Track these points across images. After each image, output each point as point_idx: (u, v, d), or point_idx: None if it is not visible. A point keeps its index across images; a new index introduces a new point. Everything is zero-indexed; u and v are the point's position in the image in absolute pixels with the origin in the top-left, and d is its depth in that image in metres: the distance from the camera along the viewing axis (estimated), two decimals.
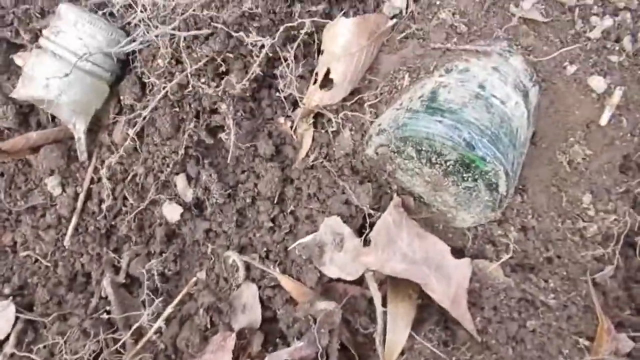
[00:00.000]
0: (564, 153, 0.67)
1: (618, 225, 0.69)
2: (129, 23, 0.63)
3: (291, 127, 0.67)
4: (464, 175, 0.60)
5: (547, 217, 0.69)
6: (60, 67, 0.59)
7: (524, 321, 0.70)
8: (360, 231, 0.65)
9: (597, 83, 0.66)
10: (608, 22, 0.66)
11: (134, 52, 0.64)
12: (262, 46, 0.60)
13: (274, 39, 0.60)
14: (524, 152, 0.63)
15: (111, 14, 0.64)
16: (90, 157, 0.67)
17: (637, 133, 0.69)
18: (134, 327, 0.65)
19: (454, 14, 0.64)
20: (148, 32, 0.59)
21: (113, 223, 0.68)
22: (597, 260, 0.71)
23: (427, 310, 0.71)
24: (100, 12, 0.64)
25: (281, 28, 0.60)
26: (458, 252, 0.70)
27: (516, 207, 0.68)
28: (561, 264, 0.70)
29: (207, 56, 0.61)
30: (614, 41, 0.67)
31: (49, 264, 0.67)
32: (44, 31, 0.61)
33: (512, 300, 0.68)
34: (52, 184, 0.66)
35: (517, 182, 0.65)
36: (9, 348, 0.62)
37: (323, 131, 0.67)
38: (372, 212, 0.65)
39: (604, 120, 0.66)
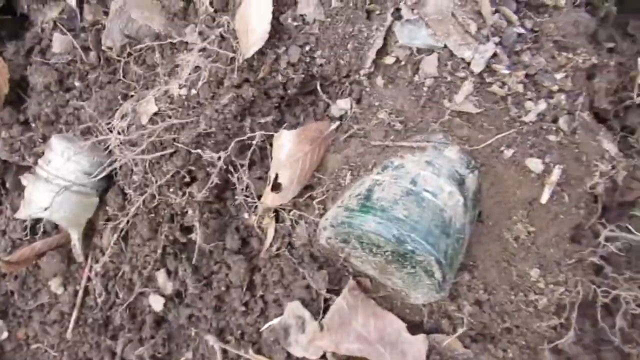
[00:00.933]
0: (509, 230, 0.71)
1: (570, 296, 0.72)
2: (108, 146, 0.73)
3: (255, 223, 0.75)
4: (404, 263, 0.65)
5: (500, 290, 0.72)
6: (52, 191, 0.70)
7: None
8: (320, 313, 0.72)
9: (535, 164, 0.69)
10: (542, 105, 0.70)
11: (115, 167, 0.74)
12: (219, 158, 0.69)
13: (227, 152, 0.69)
14: (462, 237, 0.67)
15: (97, 137, 0.75)
16: (86, 258, 0.77)
17: (582, 206, 0.72)
18: None
19: (390, 113, 0.70)
20: (122, 156, 0.69)
21: (108, 314, 0.77)
22: (554, 329, 0.73)
23: None
24: (85, 138, 0.76)
25: (233, 142, 0.69)
26: (417, 327, 0.74)
27: (466, 284, 0.72)
28: (520, 334, 0.73)
29: (172, 170, 0.70)
30: (551, 122, 0.71)
31: (56, 354, 0.76)
32: (39, 160, 0.73)
33: None
34: (55, 284, 0.76)
35: (460, 262, 0.70)
36: None
37: (283, 224, 0.75)
38: (328, 295, 0.71)
39: (544, 198, 0.69)
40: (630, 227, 0.73)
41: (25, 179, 0.77)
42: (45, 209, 0.69)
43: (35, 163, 0.78)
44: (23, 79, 0.80)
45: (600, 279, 0.73)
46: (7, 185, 0.79)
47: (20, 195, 0.79)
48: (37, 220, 0.78)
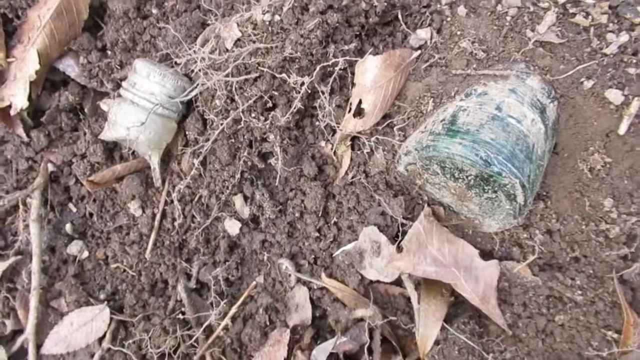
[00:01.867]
0: (585, 161, 0.72)
1: None
2: (192, 70, 0.74)
3: (331, 150, 0.77)
4: (485, 187, 0.67)
5: (571, 220, 0.74)
6: (137, 113, 0.71)
7: (553, 316, 0.75)
8: (395, 239, 0.74)
9: (614, 95, 0.70)
10: (624, 37, 0.71)
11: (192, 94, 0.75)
12: (302, 84, 0.70)
13: (311, 77, 0.70)
14: (542, 164, 0.69)
15: (177, 63, 0.76)
16: (163, 183, 0.79)
17: None
18: (204, 325, 0.76)
19: (473, 42, 0.70)
20: (207, 79, 0.70)
21: (184, 237, 0.80)
22: (622, 259, 0.75)
23: (461, 307, 0.79)
24: (167, 63, 0.77)
25: (317, 68, 0.70)
26: (487, 255, 0.77)
27: (540, 213, 0.74)
28: (587, 263, 0.75)
29: (256, 95, 0.71)
30: (631, 55, 0.71)
31: (134, 274, 0.79)
32: (123, 83, 0.74)
33: (540, 297, 0.74)
34: (134, 207, 0.79)
35: (537, 191, 0.71)
36: (105, 343, 0.75)
37: (359, 152, 0.76)
38: (405, 221, 0.73)
39: (622, 129, 0.71)
40: None
41: (105, 104, 0.79)
42: (131, 129, 0.71)
43: (114, 89, 0.80)
44: (101, 5, 0.81)
45: None
46: (86, 110, 0.80)
47: (99, 120, 0.81)
48: (115, 146, 0.80)
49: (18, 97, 0.76)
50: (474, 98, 0.68)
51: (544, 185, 0.73)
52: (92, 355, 0.75)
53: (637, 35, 0.71)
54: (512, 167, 0.64)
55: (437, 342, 0.72)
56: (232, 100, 0.73)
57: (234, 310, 0.77)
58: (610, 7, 0.70)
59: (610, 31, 0.71)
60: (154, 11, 0.80)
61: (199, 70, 0.71)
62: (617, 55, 0.71)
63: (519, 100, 0.67)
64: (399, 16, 0.74)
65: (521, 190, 0.64)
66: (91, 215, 0.81)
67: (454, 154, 0.64)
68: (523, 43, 0.70)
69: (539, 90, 0.69)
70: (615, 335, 0.73)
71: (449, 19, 0.73)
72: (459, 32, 0.71)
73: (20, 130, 0.79)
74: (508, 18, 0.70)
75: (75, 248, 0.80)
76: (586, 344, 0.73)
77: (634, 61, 0.70)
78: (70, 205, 0.82)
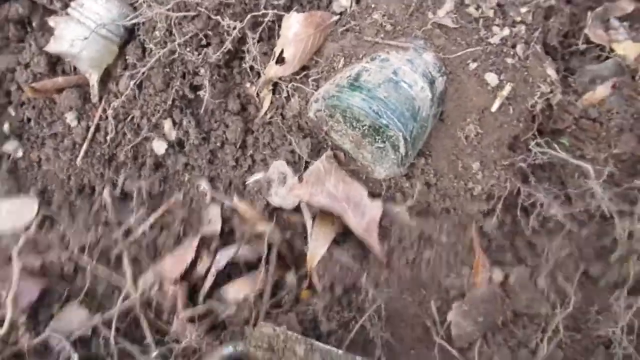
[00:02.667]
0: (462, 129, 0.87)
1: (499, 189, 0.90)
2: (137, 1, 0.83)
3: (255, 91, 0.88)
4: (376, 137, 0.80)
5: (446, 177, 0.90)
6: (82, 31, 0.79)
7: (421, 252, 0.91)
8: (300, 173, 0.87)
9: (492, 79, 0.85)
10: (506, 31, 0.86)
11: (138, 23, 0.84)
12: (234, 28, 0.81)
13: (242, 23, 0.80)
14: (426, 126, 0.83)
15: None
16: (100, 100, 0.87)
17: (522, 120, 0.89)
18: (123, 227, 0.88)
19: (384, 15, 0.83)
20: (149, 11, 0.79)
21: (115, 152, 0.89)
22: (482, 214, 0.92)
23: (349, 237, 0.93)
24: None
25: (249, 16, 0.80)
26: (375, 196, 0.91)
27: (421, 167, 0.89)
28: (455, 214, 0.92)
29: (192, 32, 0.81)
30: (510, 47, 0.86)
31: (64, 177, 0.88)
32: (71, 3, 0.82)
33: (413, 236, 0.90)
34: (70, 117, 0.87)
35: (420, 148, 0.86)
36: (30, 231, 0.85)
37: (278, 96, 0.88)
38: (309, 160, 0.86)
39: (494, 107, 0.86)
40: (557, 147, 0.92)
41: (52, 21, 0.86)
42: (74, 42, 0.79)
43: (62, 8, 0.87)
44: None
45: (525, 186, 0.92)
46: (33, 24, 0.87)
47: (45, 35, 0.88)
48: (58, 60, 0.88)
49: None
50: (377, 62, 0.81)
51: (427, 145, 0.88)
52: (18, 240, 0.85)
53: (517, 31, 0.86)
54: (398, 122, 0.77)
55: (322, 260, 0.87)
56: (171, 33, 0.82)
57: (152, 218, 0.88)
58: (498, 4, 0.85)
59: (496, 25, 0.85)
60: None
61: (143, 2, 0.80)
62: (499, 45, 0.85)
63: (413, 70, 0.81)
64: None
65: (403, 142, 0.79)
66: (29, 120, 0.89)
67: (353, 105, 0.77)
68: (424, 23, 0.83)
69: (431, 64, 0.83)
70: (468, 272, 0.91)
71: None
72: (373, 5, 0.84)
73: None
74: (415, 0, 0.83)
75: (11, 147, 0.88)
76: (445, 277, 0.90)
77: (511, 52, 0.86)
78: (10, 109, 0.89)
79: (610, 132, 0.93)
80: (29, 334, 0.84)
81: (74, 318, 0.87)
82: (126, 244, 0.87)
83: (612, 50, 0.96)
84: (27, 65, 0.87)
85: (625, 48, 0.96)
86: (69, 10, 0.81)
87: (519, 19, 0.86)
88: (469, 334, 0.89)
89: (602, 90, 0.95)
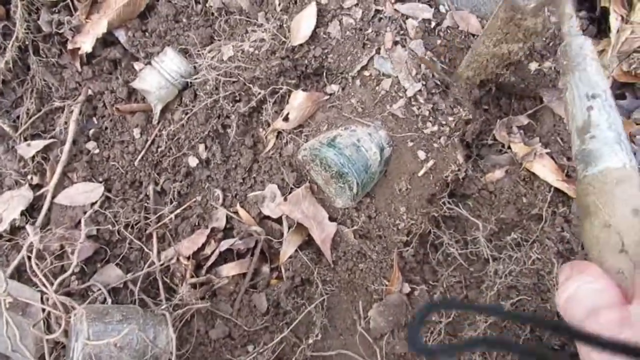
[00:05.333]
0: (397, 184, 1.28)
1: (416, 227, 1.32)
2: (199, 64, 1.24)
3: (265, 135, 1.29)
4: (339, 179, 1.20)
5: (382, 214, 1.29)
6: (159, 80, 1.19)
7: (357, 263, 1.29)
8: (285, 195, 1.27)
9: (421, 154, 1.27)
10: (435, 127, 1.29)
11: (196, 78, 1.25)
12: (259, 93, 1.23)
13: (265, 91, 1.22)
14: (373, 177, 1.23)
15: (190, 55, 1.26)
16: (158, 123, 1.27)
17: (438, 185, 1.32)
18: (159, 214, 1.26)
19: (357, 101, 1.25)
20: (206, 73, 1.21)
21: (160, 160, 1.21)
22: (403, 244, 1.33)
23: (311, 244, 1.26)
24: (184, 54, 1.26)
25: (270, 87, 1.22)
26: (332, 219, 1.27)
27: (366, 204, 1.27)
28: (384, 240, 1.32)
29: (231, 91, 1.22)
30: (437, 137, 1.30)
31: (123, 172, 1.25)
32: (155, 57, 1.22)
33: (353, 251, 1.26)
34: (136, 132, 1.25)
35: (367, 191, 1.27)
36: (95, 206, 1.22)
37: (279, 141, 1.29)
38: (293, 187, 1.27)
39: (421, 173, 1.28)
40: (461, 206, 1.34)
41: (137, 65, 1.26)
42: (152, 87, 1.20)
43: (144, 57, 1.27)
44: (153, 5, 1.28)
45: (436, 229, 1.34)
46: (122, 64, 1.27)
47: (128, 73, 1.28)
48: (134, 91, 1.28)
49: (86, 44, 1.21)
50: (348, 131, 1.22)
51: (373, 190, 1.28)
52: (85, 213, 1.22)
53: (443, 129, 1.30)
54: (355, 172, 1.18)
55: (290, 257, 1.26)
56: (217, 88, 1.23)
57: (178, 211, 1.25)
58: (433, 108, 1.29)
59: (430, 121, 1.29)
60: (184, 20, 1.29)
61: (204, 67, 1.22)
62: (429, 135, 1.28)
63: (370, 140, 1.22)
64: (324, 74, 1.28)
65: (356, 186, 1.19)
66: (106, 128, 1.27)
67: (327, 157, 1.17)
68: (383, 110, 1.25)
69: (383, 138, 1.25)
70: (387, 283, 1.31)
71: (350, 84, 1.27)
72: (352, 93, 1.26)
73: (78, 64, 1.25)
74: (380, 94, 1.26)
75: (91, 145, 1.25)
76: (371, 282, 1.29)
77: (437, 141, 1.29)
78: (94, 119, 1.28)
79: (500, 202, 1.35)
80: (78, 281, 1.20)
81: (111, 274, 1.22)
82: (157, 226, 1.26)
83: (509, 147, 1.40)
84: (112, 91, 1.26)
85: (518, 148, 1.39)
86: (153, 62, 1.22)
87: (444, 122, 1.29)
88: (382, 327, 1.23)
89: (498, 173, 1.37)
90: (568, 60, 0.78)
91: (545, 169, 1.31)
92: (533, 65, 1.30)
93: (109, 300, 1.16)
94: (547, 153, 1.33)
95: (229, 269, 1.23)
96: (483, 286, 1.26)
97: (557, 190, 1.31)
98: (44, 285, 1.08)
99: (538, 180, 1.33)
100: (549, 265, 1.23)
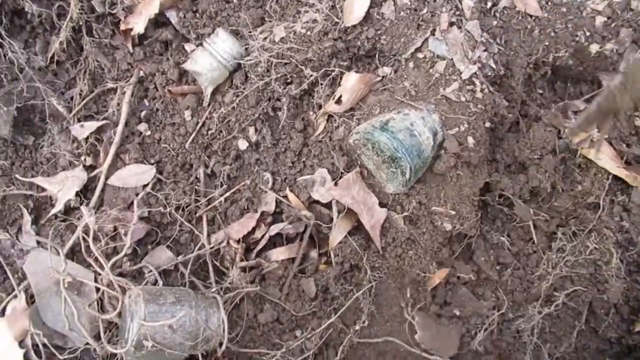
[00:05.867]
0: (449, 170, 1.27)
1: (467, 215, 1.29)
2: (250, 45, 1.22)
3: (315, 118, 1.28)
4: (392, 164, 1.18)
5: (433, 200, 1.28)
6: (211, 61, 1.18)
7: (407, 250, 1.28)
8: (335, 180, 1.25)
9: (471, 140, 1.25)
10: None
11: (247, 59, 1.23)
12: (311, 75, 1.21)
13: (317, 73, 1.20)
14: (426, 163, 1.20)
15: (242, 37, 1.24)
16: (209, 106, 1.26)
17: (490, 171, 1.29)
18: (208, 197, 1.25)
19: (411, 84, 1.22)
20: (258, 55, 1.19)
21: (211, 142, 1.21)
22: (454, 232, 1.30)
23: (360, 230, 1.20)
24: (236, 35, 1.24)
25: (323, 69, 1.20)
26: (383, 205, 1.26)
27: (417, 190, 1.23)
28: (434, 228, 1.29)
29: (282, 73, 1.20)
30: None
31: (175, 154, 1.23)
32: (206, 39, 1.20)
33: (403, 237, 1.24)
34: (187, 114, 1.25)
35: (419, 176, 1.24)
36: (147, 189, 1.22)
37: (330, 124, 1.27)
38: (343, 172, 1.25)
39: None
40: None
41: (188, 47, 1.26)
42: (204, 69, 1.19)
43: (195, 39, 1.26)
44: None
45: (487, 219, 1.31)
46: (174, 46, 1.26)
47: (179, 54, 1.27)
48: (185, 72, 1.27)
49: (139, 25, 1.21)
50: (401, 115, 1.19)
51: (424, 176, 1.27)
52: (137, 194, 1.23)
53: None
54: (408, 157, 1.15)
55: (339, 243, 1.24)
56: (268, 70, 1.21)
57: (227, 194, 1.25)
58: (483, 90, 1.25)
59: (480, 102, 1.26)
60: (235, 1, 1.26)
61: (255, 48, 1.20)
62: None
63: (423, 124, 1.19)
64: (377, 56, 1.25)
65: (409, 171, 1.16)
66: (157, 110, 1.27)
67: (380, 141, 1.14)
68: (436, 94, 1.21)
69: (437, 122, 1.21)
70: (437, 270, 1.28)
71: (403, 66, 1.24)
72: (405, 76, 1.23)
73: (130, 45, 1.25)
74: (434, 77, 1.23)
75: (142, 127, 1.26)
76: (420, 270, 1.27)
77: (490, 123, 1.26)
78: (145, 101, 1.28)
79: (555, 190, 1.32)
80: (130, 262, 1.22)
81: (162, 256, 1.22)
82: (207, 209, 1.26)
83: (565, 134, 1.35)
84: (163, 73, 1.26)
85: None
86: (204, 44, 1.20)
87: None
88: None
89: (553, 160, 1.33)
90: None
91: (604, 156, 1.26)
92: (594, 47, 1.25)
93: (160, 282, 1.17)
94: (605, 139, 1.28)
95: (278, 254, 1.23)
96: (535, 275, 1.23)
97: (615, 178, 1.27)
98: (100, 265, 1.09)
99: (595, 168, 1.28)
100: (607, 255, 1.19)
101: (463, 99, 1.19)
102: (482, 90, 1.20)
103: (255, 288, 1.19)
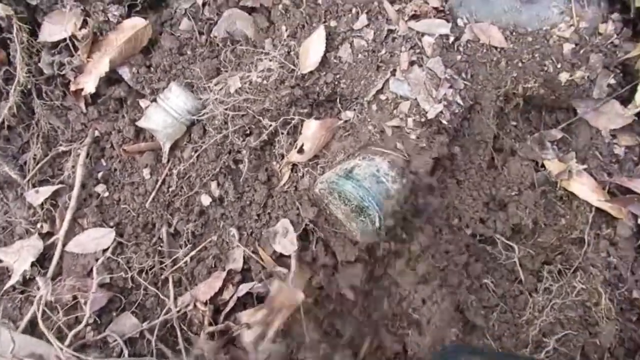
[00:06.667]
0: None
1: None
2: (206, 99, 1.18)
3: (279, 169, 1.22)
4: (360, 214, 1.12)
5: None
6: (165, 116, 1.13)
7: None
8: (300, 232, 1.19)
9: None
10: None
11: (203, 114, 1.19)
12: (270, 125, 1.16)
13: (276, 123, 1.15)
14: (398, 207, 1.16)
15: (197, 90, 1.20)
16: (168, 162, 1.22)
17: None
18: (173, 257, 1.20)
19: (374, 127, 1.17)
20: (214, 108, 1.15)
21: (173, 200, 1.17)
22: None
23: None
24: (190, 89, 1.20)
25: (282, 118, 1.16)
26: None
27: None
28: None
29: (240, 125, 1.15)
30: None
31: (135, 215, 1.20)
32: (160, 94, 1.16)
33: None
34: (145, 172, 1.19)
35: (392, 224, 1.18)
36: (107, 253, 1.16)
37: (295, 174, 1.21)
38: (309, 223, 1.19)
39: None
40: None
41: (143, 102, 1.21)
42: (159, 126, 1.14)
43: (150, 94, 1.22)
44: (156, 40, 1.23)
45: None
46: (128, 103, 1.22)
47: (134, 111, 1.22)
48: (142, 130, 1.23)
49: (89, 84, 1.17)
50: (366, 161, 1.14)
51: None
52: (97, 260, 1.17)
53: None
54: (376, 205, 1.10)
55: None
56: (226, 123, 1.17)
57: (193, 252, 1.19)
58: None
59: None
60: (189, 52, 1.23)
61: (211, 102, 1.15)
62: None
63: (389, 168, 1.14)
64: (338, 100, 1.21)
65: (378, 220, 1.10)
66: (115, 170, 1.23)
67: (345, 190, 1.09)
68: (403, 138, 1.18)
69: (403, 167, 1.17)
70: None
71: (366, 109, 1.19)
72: (369, 119, 1.18)
73: (82, 105, 1.20)
74: (399, 118, 1.18)
75: (100, 189, 1.21)
76: None
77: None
78: (103, 161, 1.23)
79: (537, 225, 1.26)
80: (93, 332, 1.15)
81: (127, 323, 1.17)
82: (172, 270, 1.20)
83: (543, 165, 1.29)
84: (119, 131, 1.22)
85: (553, 165, 1.28)
86: (158, 100, 1.16)
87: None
88: None
89: (533, 195, 1.28)
90: None
91: (584, 188, 1.21)
92: (564, 76, 1.20)
93: (126, 352, 1.11)
94: (584, 169, 1.23)
95: (249, 315, 1.16)
96: (522, 320, 1.16)
97: (599, 210, 1.21)
98: (59, 339, 1.03)
99: (577, 200, 1.23)
100: (596, 296, 1.12)
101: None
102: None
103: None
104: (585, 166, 1.23)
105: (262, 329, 1.09)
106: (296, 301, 1.08)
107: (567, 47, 1.19)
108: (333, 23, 1.18)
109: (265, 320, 1.09)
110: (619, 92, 1.22)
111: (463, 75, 1.20)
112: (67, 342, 1.08)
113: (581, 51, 1.20)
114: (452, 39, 1.19)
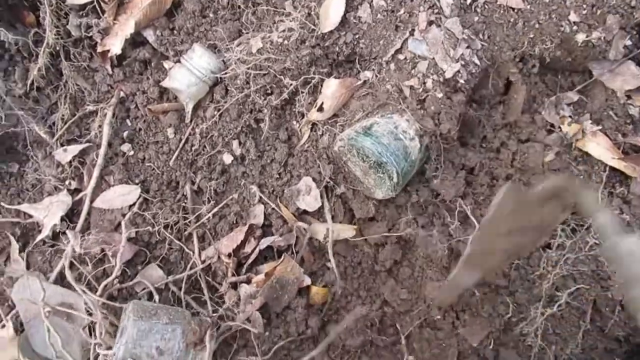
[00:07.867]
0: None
1: None
2: (228, 59, 1.21)
3: (299, 127, 1.26)
4: (378, 169, 1.16)
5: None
6: (189, 76, 1.17)
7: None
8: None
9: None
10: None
11: (225, 73, 1.22)
12: (291, 85, 1.19)
13: (297, 82, 1.18)
14: (413, 166, 1.19)
15: (219, 50, 1.23)
16: (191, 121, 1.25)
17: None
18: (196, 214, 1.24)
19: (393, 86, 1.20)
20: (236, 67, 1.18)
21: (196, 158, 1.22)
22: None
23: None
24: (213, 50, 1.23)
25: (302, 77, 1.18)
26: None
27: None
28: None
29: (262, 84, 1.19)
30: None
31: (159, 172, 1.23)
32: (184, 55, 1.19)
33: None
34: (169, 131, 1.24)
35: (408, 179, 1.22)
36: (134, 208, 1.21)
37: (314, 133, 1.25)
38: (329, 180, 1.22)
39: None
40: None
41: (167, 64, 1.25)
42: (182, 85, 1.18)
43: (173, 55, 1.25)
44: (180, 2, 1.26)
45: None
46: (152, 64, 1.26)
47: (158, 72, 1.26)
48: (165, 90, 1.26)
49: (115, 46, 1.21)
50: (385, 118, 1.17)
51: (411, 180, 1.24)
52: (124, 215, 1.21)
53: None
54: (394, 161, 1.13)
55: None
56: (247, 82, 1.20)
57: (216, 209, 1.24)
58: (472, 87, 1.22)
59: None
60: (211, 15, 1.26)
61: (233, 61, 1.18)
62: None
63: (408, 126, 1.17)
64: (357, 60, 1.23)
65: (396, 175, 1.14)
66: (140, 130, 1.27)
67: (365, 146, 1.13)
68: (420, 95, 1.20)
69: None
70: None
71: (384, 69, 1.21)
72: (387, 79, 1.20)
73: (109, 66, 1.24)
74: (417, 77, 1.20)
75: (126, 147, 1.25)
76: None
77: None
78: (128, 121, 1.27)
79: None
80: (120, 284, 1.20)
81: (153, 274, 1.21)
82: (196, 226, 1.24)
83: (559, 127, 1.31)
84: (144, 92, 1.25)
85: (568, 126, 1.30)
86: (182, 60, 1.19)
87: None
88: None
89: (549, 156, 1.29)
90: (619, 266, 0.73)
91: (599, 147, 1.23)
92: (580, 37, 1.21)
93: (156, 297, 1.15)
94: (600, 130, 1.24)
95: (270, 267, 1.20)
96: (536, 274, 1.19)
97: (612, 169, 1.22)
98: (89, 290, 1.08)
99: (592, 160, 1.24)
100: None
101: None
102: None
103: (255, 330, 1.14)
104: (600, 127, 1.25)
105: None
106: None
107: (584, 8, 1.21)
108: None
109: None
110: (635, 53, 1.23)
111: (480, 36, 1.22)
112: (98, 293, 1.12)
113: (598, 12, 1.21)
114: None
